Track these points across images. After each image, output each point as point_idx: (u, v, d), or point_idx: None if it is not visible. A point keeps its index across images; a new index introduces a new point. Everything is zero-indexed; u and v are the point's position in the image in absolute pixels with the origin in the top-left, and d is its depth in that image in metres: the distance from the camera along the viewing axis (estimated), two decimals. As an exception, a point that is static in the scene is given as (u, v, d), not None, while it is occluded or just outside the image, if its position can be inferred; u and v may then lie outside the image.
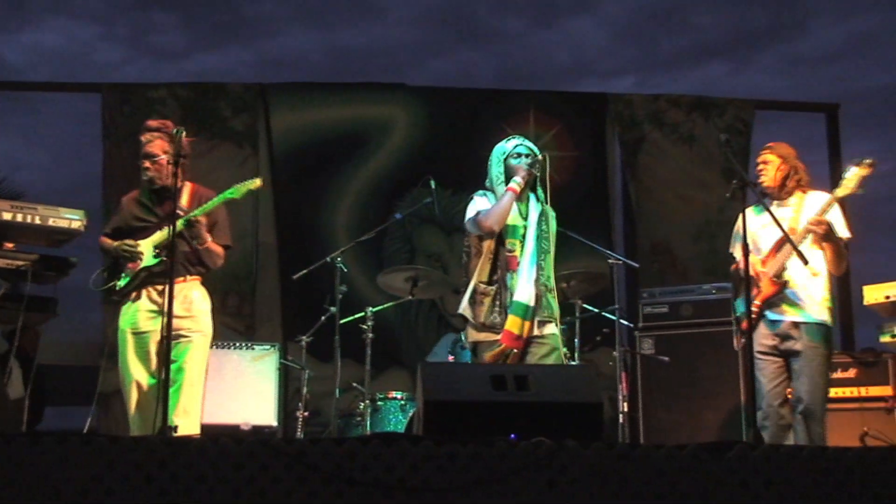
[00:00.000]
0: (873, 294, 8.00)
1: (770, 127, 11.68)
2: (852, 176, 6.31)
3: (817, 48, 20.00)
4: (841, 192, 6.34)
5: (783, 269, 6.39)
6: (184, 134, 5.85)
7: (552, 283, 6.38)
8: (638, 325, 8.98)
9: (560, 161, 6.30)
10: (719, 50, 20.08)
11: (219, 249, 6.49)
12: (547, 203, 6.40)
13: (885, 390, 8.24)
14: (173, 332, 5.78)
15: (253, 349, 8.81)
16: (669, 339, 8.81)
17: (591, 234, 8.27)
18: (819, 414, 6.27)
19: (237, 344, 8.82)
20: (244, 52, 20.74)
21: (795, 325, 6.36)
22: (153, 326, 6.35)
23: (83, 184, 12.31)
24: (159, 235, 6.35)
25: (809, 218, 6.30)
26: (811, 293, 6.38)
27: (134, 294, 6.42)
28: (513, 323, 6.12)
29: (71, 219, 6.66)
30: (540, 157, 6.40)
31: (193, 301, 6.38)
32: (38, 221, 6.57)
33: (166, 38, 19.94)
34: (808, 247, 6.35)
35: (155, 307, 6.37)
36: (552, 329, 6.29)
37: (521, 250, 6.30)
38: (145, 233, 6.42)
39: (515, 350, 6.11)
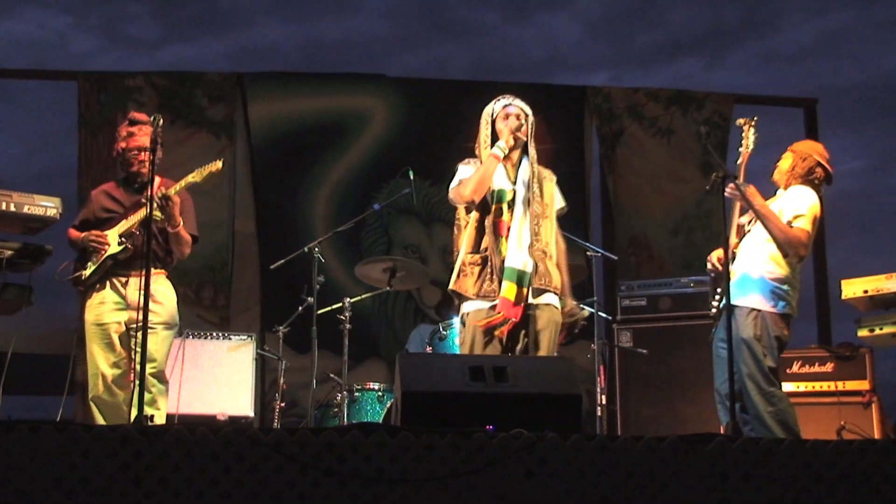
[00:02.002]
0: (851, 289, 8.01)
1: (747, 121, 11.68)
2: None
3: (791, 45, 20.10)
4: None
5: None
6: (160, 122, 5.81)
7: (553, 249, 6.15)
8: (616, 318, 8.99)
9: (538, 153, 6.26)
10: (693, 46, 20.17)
11: (187, 236, 6.46)
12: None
13: (862, 384, 8.26)
14: (137, 324, 5.78)
15: (229, 339, 8.76)
16: (647, 332, 8.81)
17: (568, 227, 8.22)
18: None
19: (213, 334, 8.77)
20: (219, 44, 20.70)
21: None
22: (117, 318, 6.34)
23: (57, 174, 12.26)
24: (125, 224, 6.31)
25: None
26: (749, 279, 6.37)
27: (98, 286, 6.39)
28: (508, 290, 5.86)
29: (46, 206, 6.62)
30: (532, 117, 6.23)
31: (156, 293, 6.32)
32: (13, 209, 6.53)
33: (140, 28, 19.87)
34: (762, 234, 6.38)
35: (119, 299, 6.34)
36: (550, 299, 6.06)
37: (511, 215, 6.04)
38: (111, 224, 6.39)
39: (513, 319, 5.86)
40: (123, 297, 6.33)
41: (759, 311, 6.29)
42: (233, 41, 20.16)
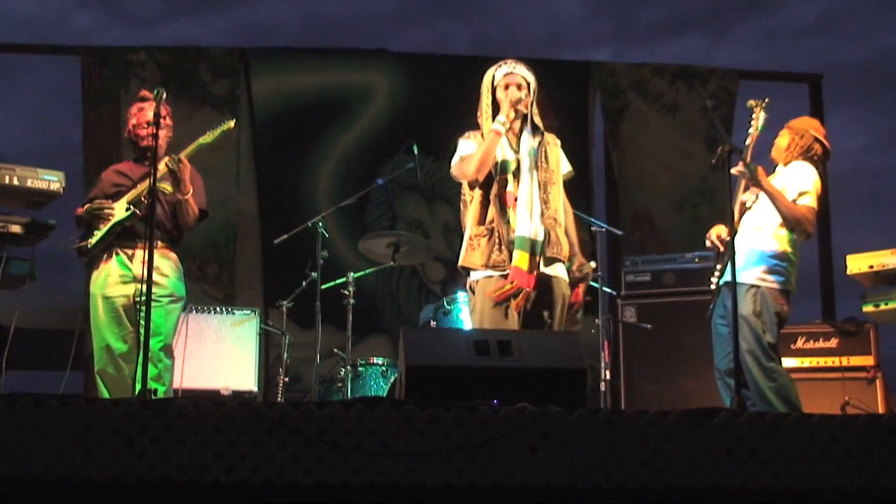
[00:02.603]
0: (857, 264, 7.98)
1: (753, 97, 11.64)
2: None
3: (794, 22, 20.01)
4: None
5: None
6: (164, 96, 5.78)
7: (562, 217, 6.02)
8: (620, 294, 8.96)
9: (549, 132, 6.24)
10: (697, 22, 20.06)
11: (195, 207, 6.43)
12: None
13: (866, 360, 8.24)
14: (144, 298, 5.77)
15: (233, 314, 8.76)
16: (652, 307, 8.78)
17: (572, 203, 8.19)
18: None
19: (217, 309, 8.77)
20: (220, 20, 20.61)
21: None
22: (123, 291, 6.33)
23: (60, 151, 12.22)
24: (133, 192, 6.30)
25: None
26: (749, 255, 6.36)
27: (105, 258, 6.38)
28: (521, 259, 5.70)
29: (50, 180, 6.60)
30: (535, 83, 6.07)
31: (162, 266, 6.31)
32: (16, 182, 6.51)
33: (141, 4, 19.76)
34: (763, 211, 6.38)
35: (125, 271, 6.34)
36: (560, 270, 5.93)
37: (517, 185, 5.87)
38: (117, 197, 6.38)
39: (527, 289, 5.71)
40: (130, 270, 6.31)
41: (758, 287, 6.29)
42: (234, 17, 20.10)
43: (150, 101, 6.36)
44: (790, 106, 11.78)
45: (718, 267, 6.46)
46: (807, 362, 8.31)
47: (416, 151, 7.99)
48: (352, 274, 7.94)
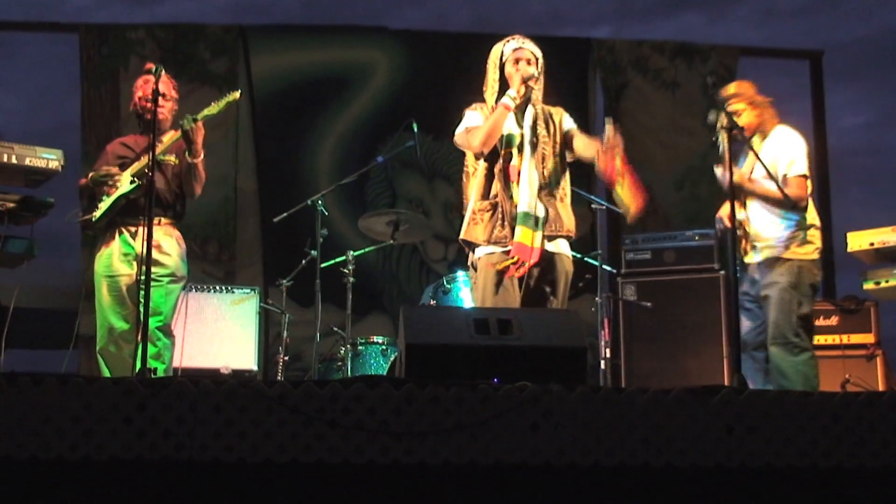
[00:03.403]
0: (857, 241, 7.96)
1: (753, 74, 11.62)
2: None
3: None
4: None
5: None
6: (163, 72, 5.78)
7: (562, 191, 5.98)
8: (620, 272, 8.95)
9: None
10: (695, 0, 20.01)
11: (203, 174, 6.42)
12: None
13: (867, 338, 8.25)
14: (145, 277, 5.78)
15: (233, 293, 8.74)
16: (652, 285, 8.77)
17: (572, 180, 8.19)
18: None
19: (217, 287, 8.76)
20: (218, -2, 20.52)
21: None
22: (127, 270, 6.33)
23: (59, 129, 12.20)
24: (137, 165, 6.29)
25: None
26: (775, 229, 6.36)
27: (108, 236, 6.37)
28: (523, 234, 5.67)
29: (48, 158, 6.57)
30: (542, 60, 6.01)
31: (163, 244, 6.30)
32: (14, 161, 6.48)
33: (139, -19, 19.71)
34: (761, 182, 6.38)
35: (129, 250, 6.33)
36: (563, 247, 5.92)
37: (521, 159, 5.84)
38: (123, 169, 6.35)
39: (530, 263, 5.69)
40: (133, 248, 6.30)
41: (792, 260, 6.29)
42: (232, -5, 20.01)
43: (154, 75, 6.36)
44: (790, 83, 11.78)
45: (743, 245, 6.43)
46: (807, 340, 8.32)
47: (415, 129, 7.97)
48: (351, 252, 7.93)
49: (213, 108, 6.34)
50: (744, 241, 6.43)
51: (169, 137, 6.39)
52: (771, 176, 6.18)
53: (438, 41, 11.14)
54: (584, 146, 6.02)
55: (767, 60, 12.24)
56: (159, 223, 6.32)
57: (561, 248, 5.91)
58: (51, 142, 6.77)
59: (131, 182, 6.25)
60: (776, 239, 6.34)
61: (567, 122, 6.13)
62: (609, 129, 5.81)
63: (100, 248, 6.44)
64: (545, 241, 5.80)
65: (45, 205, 6.69)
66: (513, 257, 5.70)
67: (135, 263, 6.28)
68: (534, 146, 5.90)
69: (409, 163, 10.46)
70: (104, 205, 6.30)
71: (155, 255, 6.19)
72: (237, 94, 6.43)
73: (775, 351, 6.21)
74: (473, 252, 5.96)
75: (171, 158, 6.37)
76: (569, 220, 5.96)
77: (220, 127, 9.44)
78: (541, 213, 5.79)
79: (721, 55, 11.28)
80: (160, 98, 6.22)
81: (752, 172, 6.42)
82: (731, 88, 6.57)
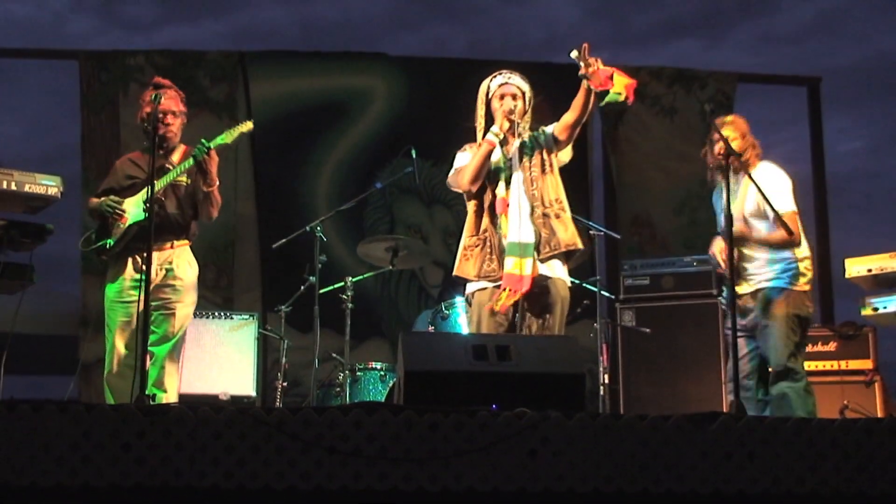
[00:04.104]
0: (855, 267, 7.97)
1: (751, 100, 11.67)
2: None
3: (789, 25, 20.02)
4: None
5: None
6: (161, 99, 5.81)
7: (558, 206, 5.99)
8: (619, 297, 8.96)
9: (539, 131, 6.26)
10: (691, 26, 20.10)
11: (219, 199, 6.46)
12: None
13: (865, 363, 8.27)
14: (157, 303, 5.92)
15: (231, 319, 8.76)
16: (650, 311, 8.79)
17: (570, 207, 8.21)
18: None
19: (216, 313, 8.77)
20: (217, 24, 20.63)
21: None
22: (137, 296, 6.26)
23: (59, 155, 12.22)
24: (145, 192, 6.29)
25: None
26: (770, 263, 6.38)
27: (120, 261, 6.35)
28: (514, 264, 5.70)
29: (48, 185, 6.57)
30: (529, 94, 6.15)
31: (177, 270, 6.32)
32: (13, 187, 6.49)
33: (137, 8, 19.78)
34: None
35: (140, 276, 6.29)
36: (559, 271, 5.92)
37: (509, 192, 5.90)
38: (133, 190, 6.38)
39: (522, 292, 5.69)
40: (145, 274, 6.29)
41: (788, 290, 6.31)
42: (231, 22, 20.11)
43: (163, 89, 6.37)
44: (788, 110, 11.81)
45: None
46: (806, 366, 8.31)
47: (414, 155, 8.00)
48: (350, 278, 7.94)
49: (226, 137, 6.36)
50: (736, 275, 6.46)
51: (179, 155, 6.40)
52: (761, 210, 6.22)
53: (437, 67, 11.15)
54: (570, 109, 6.11)
55: (765, 87, 12.29)
56: (172, 246, 6.35)
57: (556, 271, 5.92)
58: (49, 168, 6.78)
59: (144, 210, 6.25)
60: (770, 272, 6.35)
61: (549, 129, 6.18)
62: (576, 53, 6.03)
63: (111, 274, 6.44)
64: (539, 264, 5.83)
65: (45, 231, 6.69)
66: (504, 289, 5.72)
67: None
68: (521, 174, 5.95)
69: (408, 189, 10.49)
70: (118, 232, 6.31)
71: (169, 280, 6.23)
72: (250, 125, 6.46)
73: (779, 380, 6.23)
74: (465, 287, 6.06)
75: (183, 179, 6.39)
76: (566, 234, 5.96)
77: (219, 152, 9.43)
78: (531, 239, 5.80)
79: (719, 81, 11.31)
80: (169, 115, 6.26)
81: (743, 204, 6.43)
82: (728, 118, 6.60)
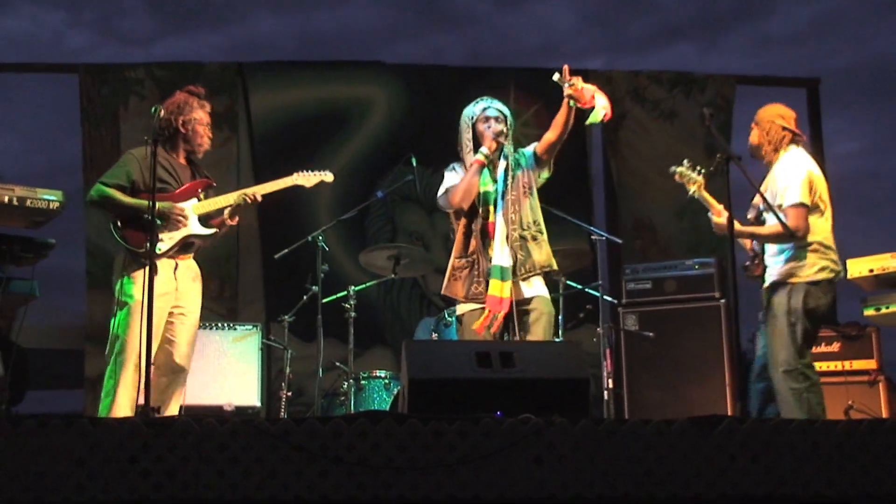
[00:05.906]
0: (857, 268, 7.98)
1: (750, 103, 11.66)
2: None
3: (786, 28, 19.99)
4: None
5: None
6: (161, 113, 5.81)
7: (535, 228, 6.19)
8: (621, 302, 8.97)
9: (537, 139, 6.28)
10: (687, 31, 20.06)
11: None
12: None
13: (868, 364, 8.26)
14: (176, 309, 6.12)
15: (235, 329, 8.76)
16: (653, 315, 8.79)
17: (571, 212, 8.24)
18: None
19: (219, 324, 8.78)
20: (214, 37, 20.58)
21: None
22: (163, 302, 6.11)
23: (59, 170, 12.23)
24: (203, 206, 6.36)
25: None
26: (783, 252, 6.38)
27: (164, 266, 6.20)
28: (494, 287, 5.92)
29: (49, 199, 6.59)
30: (510, 119, 6.31)
31: (195, 280, 6.37)
32: (15, 203, 6.50)
33: (134, 22, 19.76)
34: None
35: (170, 280, 6.24)
36: (539, 288, 6.13)
37: (496, 216, 6.10)
38: (163, 194, 6.15)
39: (503, 312, 5.89)
40: (174, 281, 6.27)
41: (790, 283, 6.31)
42: (227, 35, 20.05)
43: (203, 102, 6.40)
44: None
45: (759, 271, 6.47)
46: (810, 367, 8.33)
47: (414, 163, 8.03)
48: (353, 287, 7.95)
49: (304, 182, 6.59)
50: (759, 268, 6.47)
51: (224, 200, 6.49)
52: (769, 206, 6.21)
53: (436, 75, 11.14)
54: (552, 127, 6.25)
55: (764, 89, 12.28)
56: (191, 255, 6.38)
57: (537, 289, 6.13)
58: (50, 182, 6.79)
59: (209, 227, 6.29)
60: (778, 263, 6.36)
61: (529, 149, 6.36)
62: (558, 76, 6.11)
63: (137, 277, 6.11)
64: (520, 284, 6.03)
65: (47, 246, 6.71)
66: (486, 311, 5.93)
67: (171, 295, 6.23)
68: (507, 196, 6.11)
69: (409, 197, 10.48)
70: (171, 240, 6.24)
71: (193, 283, 6.25)
72: (331, 177, 6.95)
73: (777, 378, 6.21)
74: (456, 306, 6.28)
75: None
76: (541, 255, 6.16)
77: (220, 164, 9.48)
78: (508, 263, 5.98)
79: (718, 84, 11.31)
80: (206, 127, 6.27)
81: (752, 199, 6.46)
82: (758, 113, 6.68)
